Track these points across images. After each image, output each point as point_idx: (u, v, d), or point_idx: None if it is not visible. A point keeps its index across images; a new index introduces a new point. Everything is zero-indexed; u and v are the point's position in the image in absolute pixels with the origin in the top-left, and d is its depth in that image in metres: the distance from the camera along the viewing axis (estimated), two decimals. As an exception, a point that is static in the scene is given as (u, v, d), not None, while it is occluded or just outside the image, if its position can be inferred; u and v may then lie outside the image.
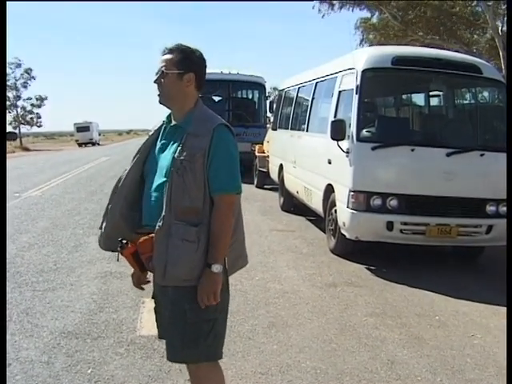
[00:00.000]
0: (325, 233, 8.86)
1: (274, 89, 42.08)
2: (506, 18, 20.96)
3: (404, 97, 11.11)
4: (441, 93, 9.60)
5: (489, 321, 5.78)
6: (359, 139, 7.38)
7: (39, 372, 4.28)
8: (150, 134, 3.06)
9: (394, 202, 7.27)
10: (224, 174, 2.83)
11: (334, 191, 8.16)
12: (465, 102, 10.04)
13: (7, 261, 7.26)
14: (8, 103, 62.77)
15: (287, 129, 11.99)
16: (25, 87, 65.47)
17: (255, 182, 16.41)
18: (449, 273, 7.58)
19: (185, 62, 2.87)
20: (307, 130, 10.22)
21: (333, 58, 9.90)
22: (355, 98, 7.53)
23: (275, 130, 13.61)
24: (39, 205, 12.68)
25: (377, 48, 10.29)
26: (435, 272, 7.56)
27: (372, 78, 7.70)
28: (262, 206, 12.94)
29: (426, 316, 5.84)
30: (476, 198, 7.39)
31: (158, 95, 2.92)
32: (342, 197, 7.70)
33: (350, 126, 7.46)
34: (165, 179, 2.81)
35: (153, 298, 3.09)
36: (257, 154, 16.07)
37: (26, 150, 54.69)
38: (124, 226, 2.97)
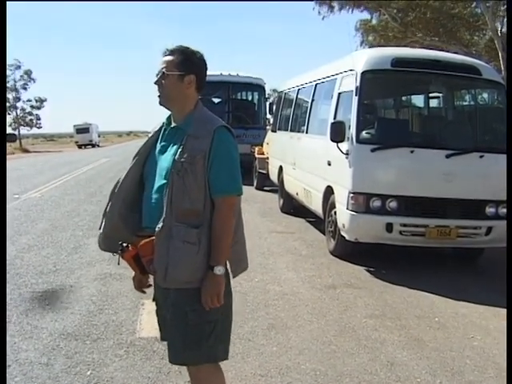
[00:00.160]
0: (324, 234, 8.86)
1: (274, 90, 42.10)
2: (505, 20, 20.98)
3: (403, 98, 11.11)
4: (440, 94, 9.62)
5: (488, 322, 5.78)
6: (359, 141, 7.38)
7: (38, 373, 4.28)
8: (150, 135, 3.06)
9: (393, 204, 7.27)
10: (225, 175, 2.83)
11: (333, 193, 8.16)
12: (464, 103, 10.05)
13: (7, 262, 7.26)
14: (8, 105, 62.78)
15: (287, 130, 11.99)
16: (24, 89, 65.54)
17: (255, 184, 16.41)
18: (448, 274, 7.58)
19: (186, 64, 2.86)
20: (307, 132, 10.22)
21: (332, 59, 9.92)
22: (355, 99, 7.53)
23: (275, 131, 13.62)
24: (39, 206, 12.68)
25: (376, 50, 10.28)
26: (435, 274, 7.56)
27: (371, 79, 7.71)
28: (262, 207, 12.94)
29: (426, 318, 5.84)
30: (475, 200, 7.39)
31: (159, 96, 2.92)
32: (341, 198, 7.70)
33: (349, 128, 7.47)
34: (165, 181, 2.80)
35: (154, 300, 3.10)
36: (256, 155, 16.07)
37: (26, 151, 54.71)
38: (123, 227, 2.97)
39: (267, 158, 14.70)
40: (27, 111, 67.74)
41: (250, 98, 21.35)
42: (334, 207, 8.08)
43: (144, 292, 3.16)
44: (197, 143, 2.80)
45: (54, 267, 7.38)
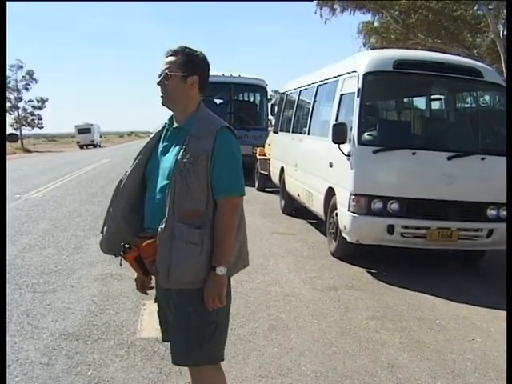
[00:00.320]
0: (326, 236, 8.86)
1: (276, 92, 42.14)
2: (506, 22, 20.98)
3: (405, 100, 11.10)
4: (442, 96, 9.61)
5: (489, 325, 5.77)
6: (360, 142, 7.38)
7: (39, 373, 4.28)
8: (152, 136, 3.06)
9: (394, 206, 7.27)
10: (227, 176, 2.83)
11: (335, 194, 8.16)
12: (466, 105, 10.04)
13: (8, 262, 7.27)
14: (9, 105, 62.88)
15: (289, 132, 11.99)
16: (26, 89, 65.56)
17: (256, 185, 16.41)
18: (449, 276, 7.58)
19: (189, 65, 2.86)
20: (308, 133, 10.22)
21: (334, 61, 9.93)
22: (357, 101, 7.53)
23: (276, 132, 13.62)
24: (40, 206, 12.69)
25: (378, 51, 10.31)
26: (436, 276, 7.55)
27: (373, 81, 7.71)
28: (263, 208, 12.94)
29: (427, 320, 5.84)
30: (477, 202, 7.39)
31: (161, 97, 2.92)
32: (343, 200, 7.70)
33: (351, 130, 7.46)
34: (167, 182, 2.80)
35: (155, 301, 3.10)
36: (258, 156, 16.08)
37: (27, 151, 54.73)
38: (125, 229, 2.96)
39: (269, 159, 14.71)
40: (29, 111, 67.76)
41: (251, 99, 21.37)
42: (336, 209, 8.08)
43: (146, 293, 3.17)
44: (199, 144, 2.80)
45: (55, 267, 7.39)
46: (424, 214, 7.31)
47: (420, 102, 10.74)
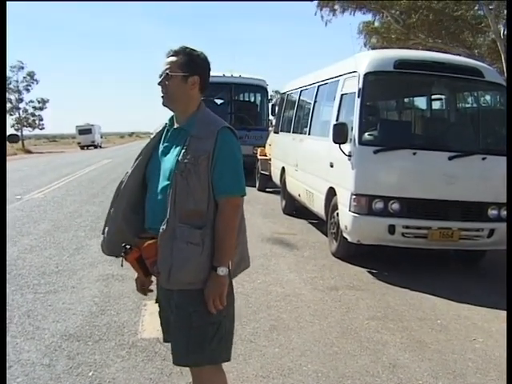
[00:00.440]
0: (326, 236, 8.85)
1: (276, 92, 42.16)
2: (506, 22, 20.97)
3: (406, 100, 11.09)
4: (443, 96, 9.61)
5: (490, 325, 5.77)
6: (361, 142, 7.38)
7: (40, 374, 4.29)
8: (152, 136, 3.06)
9: (395, 206, 7.27)
10: (228, 176, 2.83)
11: (335, 194, 8.16)
12: (467, 105, 10.03)
13: (9, 263, 7.28)
14: (10, 106, 62.94)
15: (289, 132, 11.99)
16: (27, 90, 65.56)
17: (257, 185, 16.42)
18: (450, 276, 7.57)
19: (190, 65, 2.86)
20: (309, 134, 10.22)
21: (335, 61, 9.92)
22: (357, 101, 7.53)
23: (277, 133, 13.62)
24: (41, 207, 12.70)
25: (379, 51, 10.31)
26: (437, 276, 7.55)
27: (374, 81, 7.71)
28: (264, 208, 12.94)
29: (428, 320, 5.83)
30: (478, 202, 7.39)
31: (162, 97, 2.91)
32: (343, 200, 7.70)
33: (351, 130, 7.46)
34: (168, 182, 2.80)
35: (156, 302, 3.10)
36: (259, 157, 16.09)
37: (28, 152, 54.75)
38: (126, 230, 2.96)
39: (269, 159, 14.72)
40: (30, 112, 67.78)
41: (252, 99, 21.38)
42: (337, 209, 8.07)
43: (146, 294, 3.17)
44: (200, 144, 2.80)
45: (56, 268, 7.39)
46: (425, 213, 7.30)
47: (421, 102, 10.74)
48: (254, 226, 10.02)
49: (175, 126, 2.95)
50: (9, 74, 60.01)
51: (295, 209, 11.90)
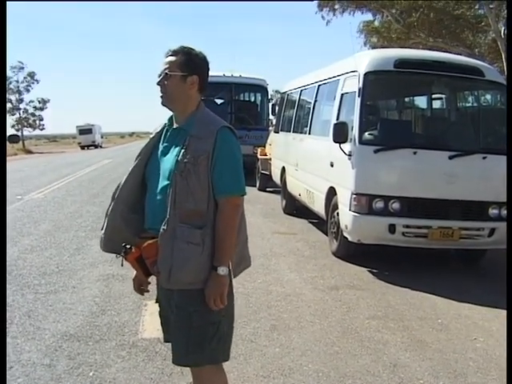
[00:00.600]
0: (327, 235, 8.85)
1: (276, 92, 42.15)
2: (506, 21, 20.96)
3: (406, 100, 11.09)
4: (443, 96, 9.61)
5: (491, 324, 5.77)
6: (361, 142, 7.38)
7: (41, 375, 4.29)
8: (151, 136, 3.06)
9: (396, 205, 7.27)
10: (228, 176, 2.83)
11: (336, 194, 8.16)
12: (467, 104, 10.04)
13: (9, 263, 7.28)
14: (11, 106, 62.93)
15: (289, 131, 11.99)
16: (27, 90, 65.56)
17: (257, 185, 16.43)
18: (451, 276, 7.57)
19: (188, 65, 2.86)
20: (309, 133, 10.22)
21: (335, 60, 9.92)
22: (357, 100, 7.53)
23: (277, 132, 13.62)
24: (41, 207, 12.70)
25: (379, 51, 10.30)
26: (437, 275, 7.55)
27: (374, 80, 7.71)
28: (264, 208, 12.94)
29: (429, 319, 5.83)
30: (478, 201, 7.38)
31: (161, 97, 2.91)
32: (344, 199, 7.70)
33: (352, 129, 7.46)
34: (168, 182, 2.80)
35: (157, 301, 3.10)
36: (259, 156, 16.10)
37: (29, 152, 54.76)
38: (125, 229, 2.97)
39: (270, 159, 14.72)
40: (30, 112, 67.77)
41: (252, 99, 21.38)
42: (337, 208, 8.07)
43: (142, 294, 3.17)
44: (200, 144, 2.80)
45: (56, 268, 7.39)
46: (425, 213, 7.30)
47: (421, 102, 10.75)
48: (255, 226, 10.02)
49: (174, 126, 2.95)
50: (9, 74, 60.04)
51: (295, 208, 11.90)
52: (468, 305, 6.32)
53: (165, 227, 2.76)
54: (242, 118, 18.65)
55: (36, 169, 25.94)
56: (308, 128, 10.32)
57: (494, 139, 8.36)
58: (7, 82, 57.48)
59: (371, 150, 7.30)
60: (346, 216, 7.61)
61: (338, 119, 8.15)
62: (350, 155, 7.46)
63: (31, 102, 67.31)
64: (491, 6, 20.65)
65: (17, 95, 64.70)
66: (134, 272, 3.04)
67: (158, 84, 2.89)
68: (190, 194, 2.77)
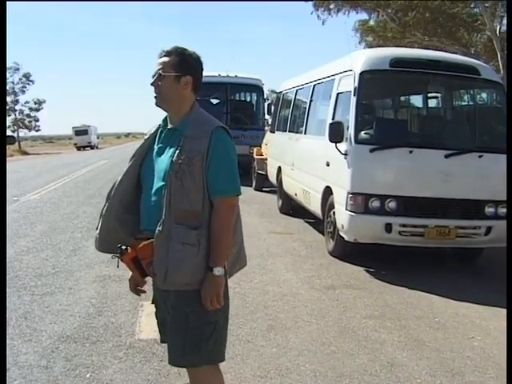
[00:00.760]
0: (323, 235, 8.85)
1: (272, 91, 42.10)
2: (503, 20, 20.99)
3: (402, 99, 11.11)
4: (439, 94, 9.62)
5: (488, 323, 5.77)
6: (357, 141, 7.38)
7: (38, 376, 4.27)
8: (146, 137, 3.05)
9: (392, 204, 7.27)
10: (223, 176, 2.82)
11: (332, 193, 8.16)
12: (463, 103, 10.05)
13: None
14: (7, 107, 62.84)
15: (285, 131, 11.98)
16: (23, 91, 65.50)
17: (254, 185, 16.42)
18: (448, 275, 7.58)
19: (182, 65, 2.86)
20: (305, 133, 10.22)
21: (330, 60, 9.91)
22: (353, 100, 7.53)
23: (273, 132, 13.62)
24: (38, 208, 12.67)
25: (375, 50, 10.30)
26: (434, 274, 7.55)
27: (370, 79, 7.71)
28: (261, 208, 12.94)
29: (426, 318, 5.83)
30: (475, 200, 7.38)
31: (155, 97, 2.91)
32: (340, 199, 7.69)
33: (348, 128, 7.46)
34: (163, 183, 2.79)
35: (153, 302, 3.09)
36: (255, 156, 16.09)
37: (25, 153, 54.67)
38: (120, 230, 2.96)
39: (266, 158, 14.71)
40: (26, 113, 67.72)
41: (248, 99, 21.38)
42: (333, 208, 8.07)
43: (139, 294, 3.15)
44: (194, 144, 2.79)
45: (52, 269, 7.37)
46: (422, 212, 7.30)
47: (417, 101, 10.76)
48: (251, 226, 10.01)
49: (169, 127, 2.94)
50: (6, 74, 59.95)
51: (292, 208, 11.90)
52: (465, 303, 6.32)
53: (160, 228, 2.75)
54: (237, 118, 18.65)
55: (32, 170, 25.89)
56: (304, 128, 10.31)
57: (490, 138, 8.36)
58: (2, 83, 57.34)
59: (367, 150, 7.30)
60: (342, 215, 7.60)
61: (333, 119, 8.15)
62: (345, 154, 7.46)
63: (27, 102, 67.33)
64: (486, 5, 20.66)
65: (12, 96, 64.64)
66: (130, 273, 3.04)
67: (152, 85, 2.89)
68: (184, 195, 2.76)
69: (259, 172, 15.80)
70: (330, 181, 8.24)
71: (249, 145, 16.86)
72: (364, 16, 27.05)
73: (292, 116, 11.81)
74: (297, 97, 11.71)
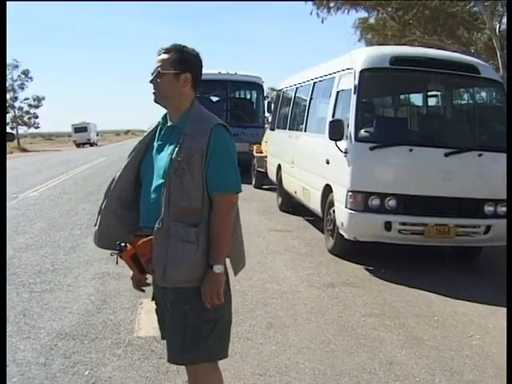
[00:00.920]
0: (323, 233, 8.84)
1: (272, 89, 42.08)
2: (503, 19, 20.99)
3: (402, 97, 11.11)
4: (439, 93, 9.61)
5: (487, 321, 5.77)
6: (357, 139, 7.37)
7: (36, 374, 4.27)
8: (146, 134, 3.05)
9: (392, 202, 7.26)
10: (223, 173, 2.81)
11: (332, 191, 8.15)
12: (463, 102, 10.05)
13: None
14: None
15: (285, 129, 11.97)
16: (22, 88, 65.53)
17: (253, 183, 16.41)
18: (447, 273, 7.57)
19: (181, 62, 2.84)
20: (305, 130, 10.21)
21: (330, 58, 9.90)
22: (353, 98, 7.52)
23: (273, 130, 13.60)
24: (37, 205, 12.66)
25: (375, 48, 10.29)
26: (434, 272, 7.55)
27: (370, 78, 7.70)
28: (261, 206, 12.93)
29: (425, 316, 5.83)
30: (474, 199, 7.38)
31: (153, 93, 2.90)
32: (340, 197, 7.69)
33: (348, 126, 7.45)
34: (163, 180, 2.79)
35: (153, 299, 3.09)
36: (255, 154, 16.08)
37: (24, 150, 54.70)
38: (119, 227, 2.96)
39: (266, 156, 14.70)
40: (25, 110, 67.77)
41: (248, 97, 21.37)
42: (333, 206, 8.06)
43: (143, 291, 3.14)
44: (194, 142, 2.78)
45: (51, 266, 7.36)
46: (421, 210, 7.29)
47: (417, 99, 10.76)
48: (251, 223, 10.01)
49: (168, 124, 2.93)
50: (6, 72, 59.96)
51: (291, 206, 11.89)
52: (464, 302, 6.32)
53: (159, 225, 2.74)
54: (237, 116, 18.65)
55: (31, 167, 25.87)
56: (304, 125, 10.30)
57: (490, 136, 8.36)
58: (2, 80, 57.34)
59: (367, 148, 7.29)
60: (341, 213, 7.60)
61: (333, 116, 8.14)
62: (345, 152, 7.45)
63: (26, 99, 67.35)
64: (486, 4, 20.65)
65: (11, 93, 64.67)
66: (131, 270, 3.03)
67: (151, 82, 2.88)
68: (184, 193, 2.75)
69: (259, 170, 15.78)
70: (330, 179, 8.23)
71: (249, 142, 16.85)
72: (364, 14, 27.06)
73: (292, 114, 11.80)
74: (297, 95, 11.69)
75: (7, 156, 32.02)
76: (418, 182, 7.30)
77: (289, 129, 11.67)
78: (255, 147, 16.21)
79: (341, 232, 7.77)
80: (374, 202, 7.27)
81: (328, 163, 8.27)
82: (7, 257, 7.58)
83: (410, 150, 7.30)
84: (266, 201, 13.70)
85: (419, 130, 8.86)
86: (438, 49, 14.18)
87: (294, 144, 11.00)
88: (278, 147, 12.75)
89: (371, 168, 7.40)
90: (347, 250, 7.98)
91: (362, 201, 7.30)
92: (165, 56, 2.86)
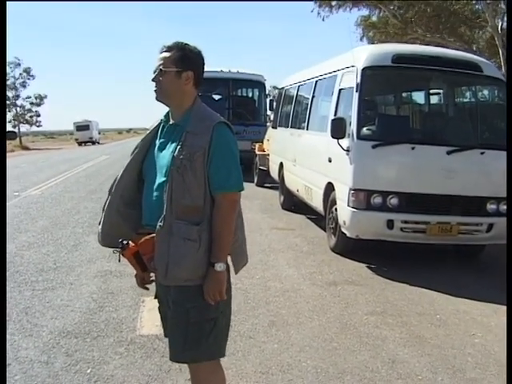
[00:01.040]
0: (325, 231, 8.84)
1: (274, 87, 42.08)
2: (505, 17, 20.93)
3: (404, 95, 11.08)
4: (441, 91, 9.59)
5: (490, 319, 5.76)
6: (359, 137, 7.36)
7: (38, 372, 4.27)
8: (148, 132, 3.04)
9: (394, 201, 7.25)
10: (225, 171, 2.81)
11: (334, 189, 8.14)
12: (465, 100, 10.03)
13: (7, 260, 7.25)
14: (8, 102, 62.84)
15: (287, 127, 11.97)
16: (24, 86, 65.53)
17: (255, 181, 16.38)
18: (449, 271, 7.57)
19: (183, 60, 2.84)
20: (307, 129, 10.20)
21: (332, 56, 9.89)
22: (355, 96, 7.50)
23: (275, 128, 13.59)
24: (39, 204, 12.67)
25: (377, 46, 10.29)
26: (436, 270, 7.54)
27: (372, 75, 7.68)
28: (263, 204, 12.92)
29: (427, 315, 5.83)
30: (476, 197, 7.37)
31: (155, 91, 2.89)
32: (342, 195, 7.68)
33: (350, 124, 7.44)
34: (165, 178, 2.78)
35: (156, 297, 3.09)
36: (257, 152, 16.06)
37: (26, 148, 54.68)
38: (122, 224, 2.96)
39: (268, 154, 14.69)
40: (27, 108, 67.76)
41: (250, 95, 21.34)
42: (335, 204, 8.06)
43: (147, 288, 3.14)
44: (196, 140, 2.78)
45: (54, 265, 7.37)
46: (424, 208, 7.29)
47: (419, 97, 10.73)
48: (253, 222, 10.00)
49: (171, 122, 2.93)
50: (6, 70, 59.96)
51: (294, 204, 11.88)
52: (466, 300, 6.31)
53: (161, 223, 2.74)
54: (239, 114, 18.64)
55: (33, 165, 25.88)
56: (306, 123, 10.29)
57: (492, 134, 8.35)
58: (3, 79, 57.37)
59: (369, 146, 7.29)
60: (344, 211, 7.59)
61: (335, 115, 8.13)
62: (348, 151, 7.44)
63: (28, 97, 67.34)
64: (488, 2, 20.63)
65: (13, 91, 64.68)
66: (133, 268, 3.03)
67: (153, 80, 2.88)
68: (186, 191, 2.75)
69: (261, 168, 15.77)
70: (332, 177, 8.23)
71: (251, 140, 16.83)
72: (366, 12, 27.03)
73: (294, 112, 11.79)
74: (299, 93, 11.68)
75: (9, 154, 32.06)
76: (420, 180, 7.29)
77: (291, 127, 11.67)
78: (257, 145, 16.19)
79: (343, 230, 7.76)
80: (376, 200, 7.26)
81: (330, 161, 8.27)
82: (9, 255, 7.59)
83: (413, 148, 7.29)
84: (268, 199, 13.69)
85: (421, 128, 8.86)
86: (440, 47, 14.16)
87: (296, 142, 10.99)
88: (279, 145, 12.74)
89: (373, 166, 7.39)
90: (349, 248, 7.98)
91: (364, 199, 7.29)
92: (167, 54, 2.85)
